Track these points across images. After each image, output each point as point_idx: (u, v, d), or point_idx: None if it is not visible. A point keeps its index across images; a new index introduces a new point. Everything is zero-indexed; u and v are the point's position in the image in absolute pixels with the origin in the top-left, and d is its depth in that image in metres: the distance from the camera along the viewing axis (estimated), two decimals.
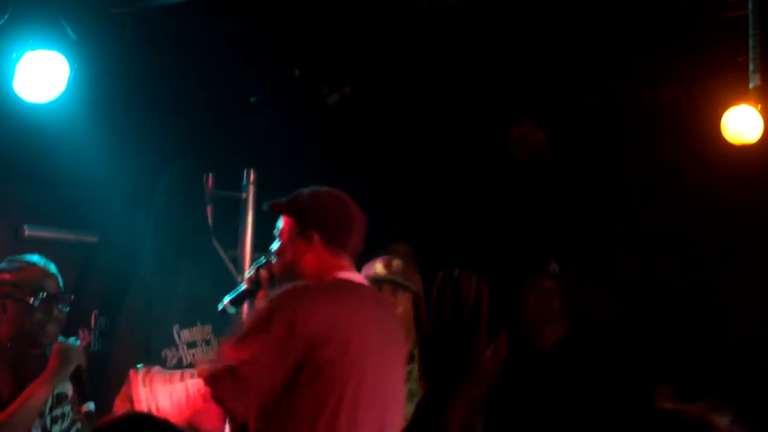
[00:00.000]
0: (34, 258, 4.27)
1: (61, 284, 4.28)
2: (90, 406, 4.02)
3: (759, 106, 4.94)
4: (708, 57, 5.47)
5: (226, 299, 4.03)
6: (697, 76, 5.65)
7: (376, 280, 4.79)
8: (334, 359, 3.48)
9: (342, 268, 3.71)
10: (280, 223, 3.78)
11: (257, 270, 3.90)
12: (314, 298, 3.56)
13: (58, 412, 4.22)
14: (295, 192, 3.81)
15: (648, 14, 5.07)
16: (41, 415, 4.12)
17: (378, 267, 4.82)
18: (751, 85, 4.80)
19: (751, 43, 4.67)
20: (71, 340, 4.23)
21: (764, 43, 4.69)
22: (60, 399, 4.22)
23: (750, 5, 4.62)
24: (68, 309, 4.29)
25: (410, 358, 4.80)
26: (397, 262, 4.81)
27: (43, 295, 4.18)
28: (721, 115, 5.11)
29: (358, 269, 5.04)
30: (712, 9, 4.98)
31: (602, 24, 5.19)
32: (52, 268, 4.29)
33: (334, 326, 3.53)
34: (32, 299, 4.17)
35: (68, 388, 4.26)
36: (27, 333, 4.18)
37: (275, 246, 3.77)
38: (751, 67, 4.75)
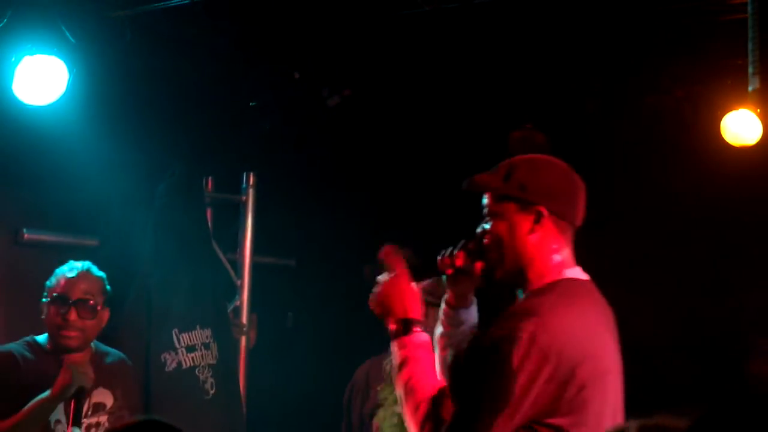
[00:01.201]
0: (76, 264, 4.39)
1: (99, 293, 4.35)
2: (75, 430, 4.04)
3: (758, 108, 4.93)
4: (708, 60, 5.47)
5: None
6: (698, 79, 5.65)
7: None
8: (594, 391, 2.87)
9: (566, 264, 3.10)
10: (486, 199, 3.21)
11: (468, 256, 3.20)
12: (564, 324, 2.90)
13: (94, 420, 4.24)
14: (497, 165, 3.25)
15: (648, 18, 5.07)
16: (77, 423, 4.12)
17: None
18: (750, 88, 4.81)
19: (750, 46, 4.67)
20: (112, 351, 4.44)
21: (764, 47, 4.70)
22: (97, 408, 4.24)
23: (749, 9, 4.62)
24: (92, 319, 4.33)
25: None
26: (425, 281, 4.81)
27: (56, 299, 4.26)
28: (721, 118, 5.11)
29: (362, 274, 5.04)
30: (711, 12, 4.97)
31: (603, 28, 5.19)
32: (90, 275, 4.36)
33: (585, 356, 2.89)
34: (51, 302, 4.29)
35: (107, 398, 4.29)
36: (53, 336, 4.30)
37: (487, 226, 3.15)
38: (750, 70, 4.75)
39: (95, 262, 4.58)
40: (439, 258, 3.26)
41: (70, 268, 4.36)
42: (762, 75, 4.77)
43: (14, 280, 5.17)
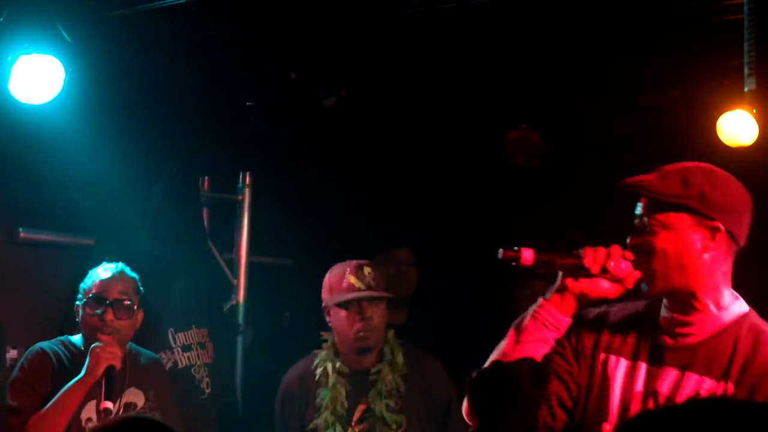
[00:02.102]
0: (109, 265, 4.41)
1: (134, 294, 4.36)
2: (108, 404, 4.06)
3: (754, 109, 4.93)
4: (704, 60, 5.47)
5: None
6: (693, 79, 5.65)
7: (356, 299, 4.74)
8: None
9: (737, 296, 2.90)
10: (644, 206, 2.91)
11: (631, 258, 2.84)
12: None
13: None
14: (658, 168, 2.99)
15: (644, 18, 5.07)
16: (109, 398, 4.11)
17: (352, 279, 4.76)
18: (746, 89, 4.81)
19: (746, 46, 4.68)
20: (146, 352, 4.48)
21: (759, 47, 4.70)
22: (128, 408, 4.26)
23: (745, 9, 4.62)
24: (128, 319, 4.34)
25: (381, 355, 4.80)
26: (368, 270, 4.78)
27: (94, 299, 4.28)
28: (717, 119, 5.11)
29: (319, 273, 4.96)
30: (707, 13, 4.98)
31: (598, 28, 5.20)
32: (125, 276, 4.39)
33: None
34: (87, 303, 4.31)
35: (139, 398, 4.33)
36: (89, 338, 4.29)
37: (654, 240, 2.84)
38: (746, 70, 4.75)
39: (91, 262, 4.60)
40: (584, 256, 2.84)
41: (105, 269, 4.38)
42: (758, 76, 4.77)
43: (11, 279, 5.17)
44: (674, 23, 5.09)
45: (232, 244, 5.78)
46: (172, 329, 5.17)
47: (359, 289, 4.70)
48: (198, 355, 5.26)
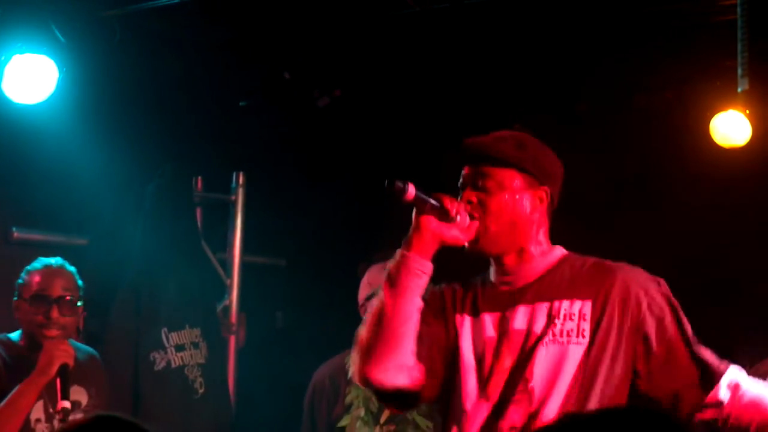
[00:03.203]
0: (49, 260, 4.35)
1: (76, 288, 4.32)
2: (66, 404, 4.02)
3: (747, 110, 4.95)
4: (697, 61, 5.48)
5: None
6: (687, 80, 5.66)
7: None
8: None
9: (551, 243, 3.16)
10: (478, 164, 3.12)
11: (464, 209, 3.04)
12: None
13: (70, 419, 4.19)
14: (491, 132, 3.26)
15: (638, 19, 5.08)
16: (65, 397, 4.07)
17: None
18: (739, 89, 4.82)
19: (739, 47, 4.69)
20: (82, 347, 4.40)
21: (753, 48, 4.71)
22: (73, 406, 4.22)
23: (738, 10, 4.63)
24: (73, 315, 4.30)
25: None
26: None
27: (38, 297, 4.23)
28: (710, 119, 5.12)
29: (353, 274, 4.99)
30: (701, 14, 4.99)
31: (592, 28, 5.21)
32: (65, 271, 4.33)
33: None
34: (30, 301, 4.24)
35: (82, 396, 4.28)
36: (31, 335, 4.25)
37: (489, 199, 3.04)
38: (739, 71, 4.76)
39: (84, 262, 4.59)
40: (443, 201, 3.06)
41: (44, 264, 4.32)
42: (751, 76, 4.79)
43: (3, 279, 5.15)
44: (667, 24, 5.10)
45: (225, 244, 5.78)
46: (165, 329, 5.17)
47: None
48: (191, 355, 5.25)
